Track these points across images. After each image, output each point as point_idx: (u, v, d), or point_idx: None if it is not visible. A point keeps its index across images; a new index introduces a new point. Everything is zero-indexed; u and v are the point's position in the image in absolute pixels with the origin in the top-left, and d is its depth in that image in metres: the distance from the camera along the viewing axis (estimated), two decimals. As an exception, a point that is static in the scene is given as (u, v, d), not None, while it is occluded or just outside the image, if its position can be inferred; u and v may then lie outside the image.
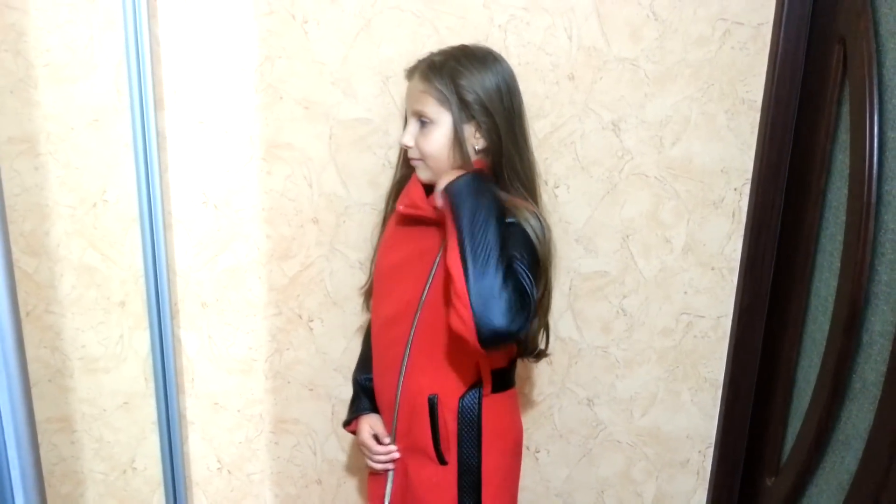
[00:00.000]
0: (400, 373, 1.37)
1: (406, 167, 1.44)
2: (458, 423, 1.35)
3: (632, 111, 1.63)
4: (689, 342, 1.79)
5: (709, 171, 1.67)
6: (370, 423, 1.47)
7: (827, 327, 1.49)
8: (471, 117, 1.30)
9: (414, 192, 1.37)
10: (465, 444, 1.36)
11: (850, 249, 1.41)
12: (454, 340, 1.26)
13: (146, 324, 1.70)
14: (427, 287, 1.32)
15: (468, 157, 1.30)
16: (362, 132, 1.62)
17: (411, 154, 1.36)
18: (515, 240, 1.24)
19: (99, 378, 1.74)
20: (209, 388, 1.77)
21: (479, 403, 1.36)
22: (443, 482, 1.37)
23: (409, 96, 1.37)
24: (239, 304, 1.72)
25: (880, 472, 1.28)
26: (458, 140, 1.30)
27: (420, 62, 1.36)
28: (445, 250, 1.23)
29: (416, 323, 1.34)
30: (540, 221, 1.30)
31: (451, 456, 1.36)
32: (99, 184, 1.62)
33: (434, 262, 1.32)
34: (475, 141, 1.32)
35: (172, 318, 1.71)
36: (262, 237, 1.68)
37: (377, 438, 1.45)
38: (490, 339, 1.16)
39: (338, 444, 1.84)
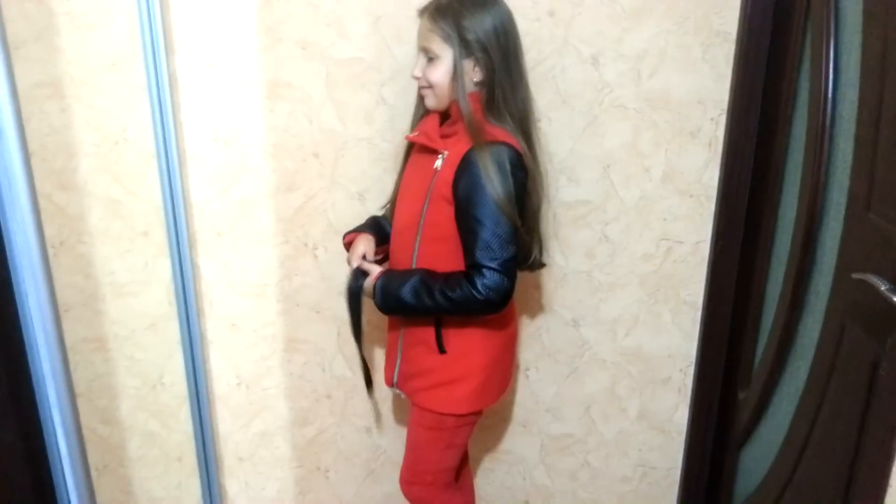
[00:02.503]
0: None
1: (422, 104, 1.59)
2: (456, 319, 1.55)
3: (610, 45, 1.72)
4: (669, 266, 1.89)
5: (685, 102, 1.76)
6: (362, 242, 1.64)
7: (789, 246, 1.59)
8: (469, 53, 1.45)
9: (429, 125, 1.55)
10: (461, 337, 1.57)
11: (807, 170, 1.50)
12: (452, 248, 1.49)
13: (167, 252, 1.87)
14: (426, 202, 1.50)
15: (465, 89, 1.46)
16: (356, 70, 1.74)
17: (420, 84, 1.52)
18: (479, 205, 1.42)
19: (128, 301, 1.93)
20: (226, 310, 1.95)
21: None
22: (442, 368, 1.58)
23: (419, 34, 1.51)
24: (250, 234, 1.88)
25: (825, 376, 1.39)
26: (458, 73, 1.46)
27: (430, 3, 1.50)
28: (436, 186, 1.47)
29: (420, 233, 1.53)
30: (515, 151, 1.44)
31: (450, 346, 1.56)
32: (119, 123, 1.78)
33: (431, 181, 1.49)
34: (473, 74, 1.47)
35: (191, 246, 1.88)
36: (268, 171, 1.82)
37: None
38: (493, 306, 1.45)
39: (344, 363, 2.00)
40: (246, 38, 1.72)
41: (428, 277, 1.48)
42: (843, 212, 1.36)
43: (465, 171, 1.42)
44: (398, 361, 1.66)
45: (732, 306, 1.88)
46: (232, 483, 2.12)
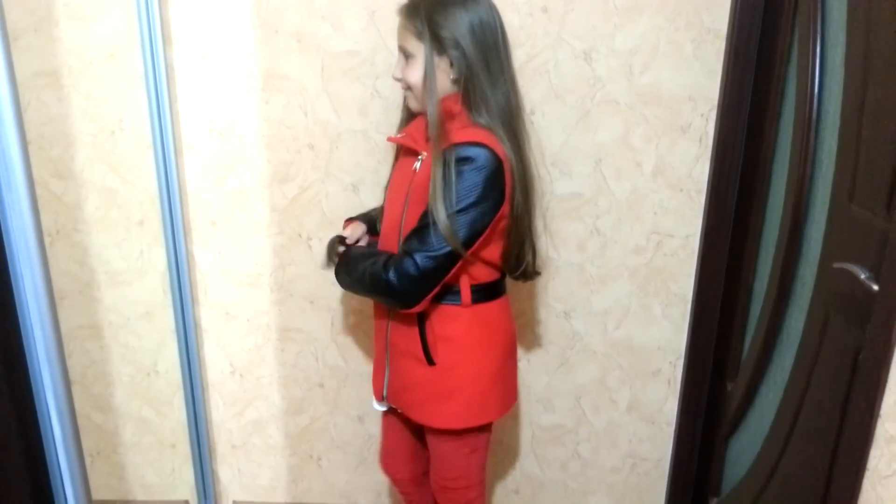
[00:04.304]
0: None
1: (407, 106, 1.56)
2: (444, 329, 1.50)
3: (602, 41, 1.74)
4: (660, 260, 1.92)
5: (676, 97, 1.78)
6: (352, 227, 1.65)
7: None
8: (443, 51, 1.40)
9: (416, 126, 1.51)
10: (450, 348, 1.51)
11: (794, 164, 1.52)
12: None
13: (163, 241, 1.89)
14: (405, 206, 1.47)
15: (435, 88, 1.41)
16: (351, 63, 1.76)
17: (402, 85, 1.49)
18: (434, 202, 1.36)
19: (123, 290, 1.95)
20: (221, 299, 1.97)
21: (462, 312, 1.50)
22: (433, 381, 1.53)
23: (397, 33, 1.48)
24: (244, 224, 1.90)
25: (809, 365, 1.42)
26: (429, 72, 1.41)
27: (407, 2, 1.47)
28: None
29: (401, 236, 1.48)
30: (492, 155, 1.36)
31: (439, 358, 1.51)
32: (116, 113, 1.80)
33: (409, 185, 1.47)
34: (448, 72, 1.42)
35: (186, 235, 1.90)
36: (263, 162, 1.84)
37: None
38: (395, 293, 1.42)
39: (337, 352, 2.03)
40: (242, 30, 1.74)
41: (375, 252, 1.50)
42: (827, 204, 1.38)
43: (440, 170, 1.36)
44: (387, 374, 1.62)
45: (722, 299, 1.91)
46: (225, 470, 2.14)
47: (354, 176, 1.86)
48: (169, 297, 1.95)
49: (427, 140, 1.45)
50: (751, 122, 1.75)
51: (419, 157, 1.47)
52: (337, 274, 1.56)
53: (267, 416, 2.09)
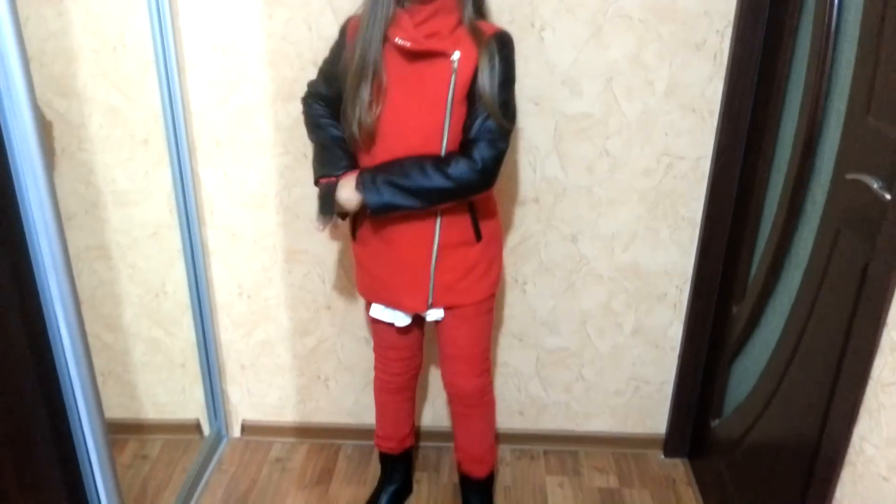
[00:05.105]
0: None
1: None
2: (482, 203, 1.62)
3: (616, -48, 1.68)
4: (669, 182, 1.89)
5: (691, 12, 1.73)
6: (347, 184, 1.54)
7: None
8: None
9: (407, 25, 1.42)
10: (487, 219, 1.63)
11: (811, 77, 1.48)
12: None
13: (168, 160, 1.88)
14: (449, 110, 1.46)
15: None
16: (356, -25, 1.71)
17: None
18: (494, 90, 1.46)
19: (129, 210, 1.95)
20: (227, 220, 1.96)
21: None
22: (481, 255, 1.64)
23: None
24: (249, 143, 1.88)
25: (817, 283, 1.40)
26: None
27: None
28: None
29: (445, 142, 1.49)
30: (510, 35, 1.51)
31: (483, 231, 1.62)
32: (118, 29, 1.76)
33: (449, 87, 1.45)
34: None
35: (191, 155, 1.88)
36: (266, 79, 1.81)
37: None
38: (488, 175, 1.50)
39: (344, 274, 2.03)
40: (244, -61, 1.69)
41: (416, 158, 1.48)
42: (842, 118, 1.35)
43: (488, 61, 1.43)
44: (432, 281, 1.61)
45: (731, 222, 1.88)
46: (234, 390, 2.18)
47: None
48: (175, 217, 1.94)
49: (428, 36, 1.43)
50: (767, 36, 1.70)
51: (452, 58, 1.44)
52: (376, 194, 1.47)
53: (275, 338, 2.11)
